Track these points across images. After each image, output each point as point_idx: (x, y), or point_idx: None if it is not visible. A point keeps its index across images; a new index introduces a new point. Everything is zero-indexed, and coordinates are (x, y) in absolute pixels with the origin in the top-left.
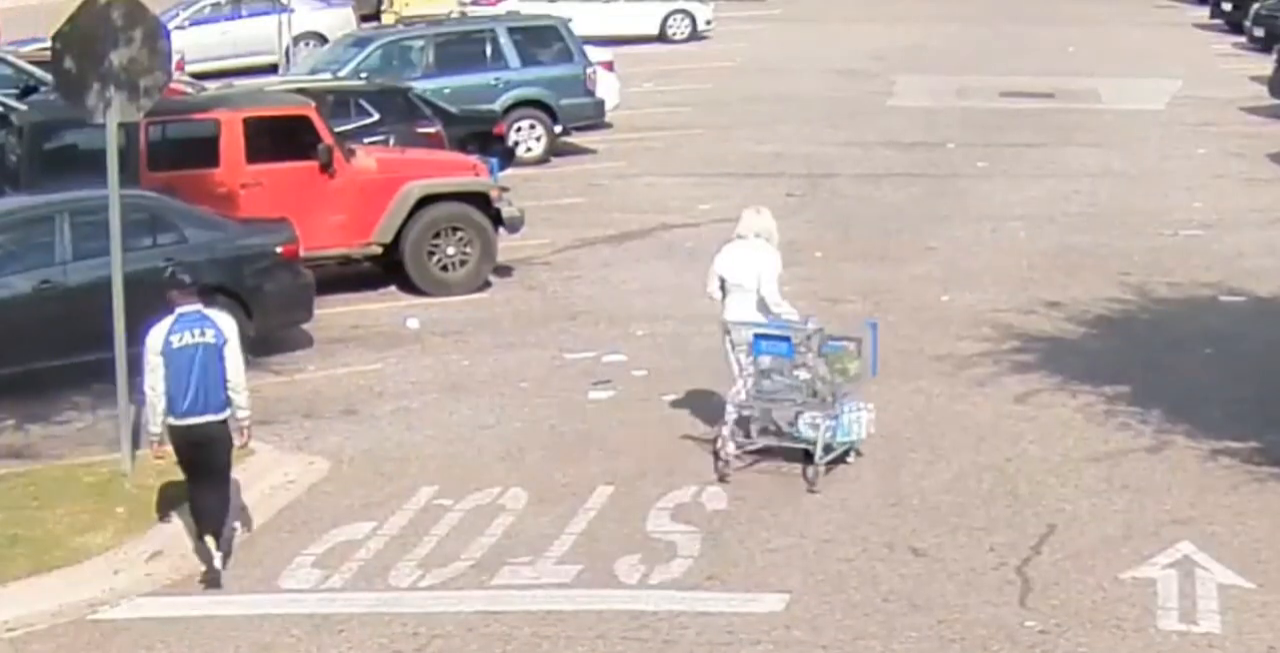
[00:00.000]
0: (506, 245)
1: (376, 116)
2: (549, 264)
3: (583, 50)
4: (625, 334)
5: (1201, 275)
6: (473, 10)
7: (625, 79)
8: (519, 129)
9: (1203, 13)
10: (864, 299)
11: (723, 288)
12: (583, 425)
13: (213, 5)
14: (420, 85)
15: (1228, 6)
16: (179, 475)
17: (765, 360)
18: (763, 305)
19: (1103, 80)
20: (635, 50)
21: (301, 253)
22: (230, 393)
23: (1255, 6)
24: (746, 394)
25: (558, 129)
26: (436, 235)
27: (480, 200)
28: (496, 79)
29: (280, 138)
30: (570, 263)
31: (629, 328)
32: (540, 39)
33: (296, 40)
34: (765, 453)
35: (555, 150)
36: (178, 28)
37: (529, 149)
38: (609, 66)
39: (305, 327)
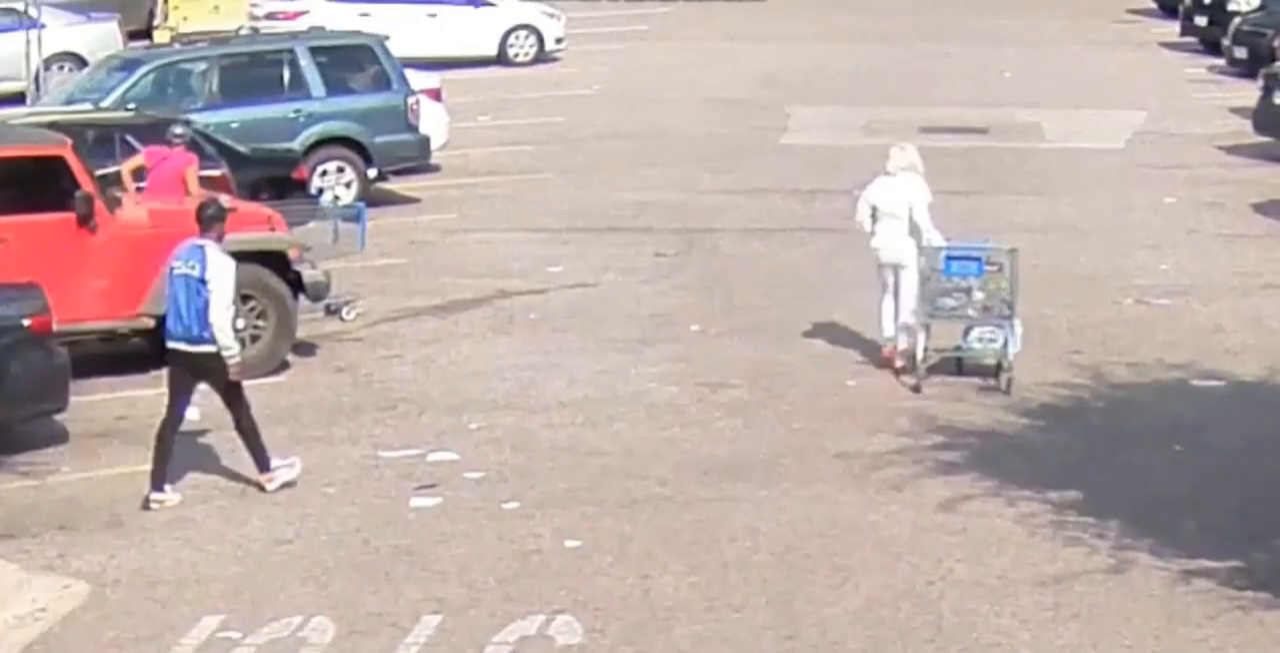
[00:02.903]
0: (309, 317)
1: (143, 152)
2: (361, 340)
3: (403, 75)
4: (456, 427)
5: (1170, 354)
6: (267, 26)
7: (456, 111)
8: (324, 172)
9: (1171, 29)
10: (751, 384)
11: (874, 216)
12: (403, 540)
13: None
14: (202, 118)
15: (1202, 21)
16: None
17: (942, 280)
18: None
19: (1047, 112)
20: (469, 75)
21: (55, 326)
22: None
23: (1236, 21)
24: (920, 313)
25: (372, 173)
26: None
27: (276, 262)
28: (296, 111)
29: (28, 184)
30: (387, 339)
31: (461, 419)
32: (351, 61)
33: (48, 63)
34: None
35: (369, 199)
36: None
37: (336, 197)
38: (436, 95)
39: (59, 417)
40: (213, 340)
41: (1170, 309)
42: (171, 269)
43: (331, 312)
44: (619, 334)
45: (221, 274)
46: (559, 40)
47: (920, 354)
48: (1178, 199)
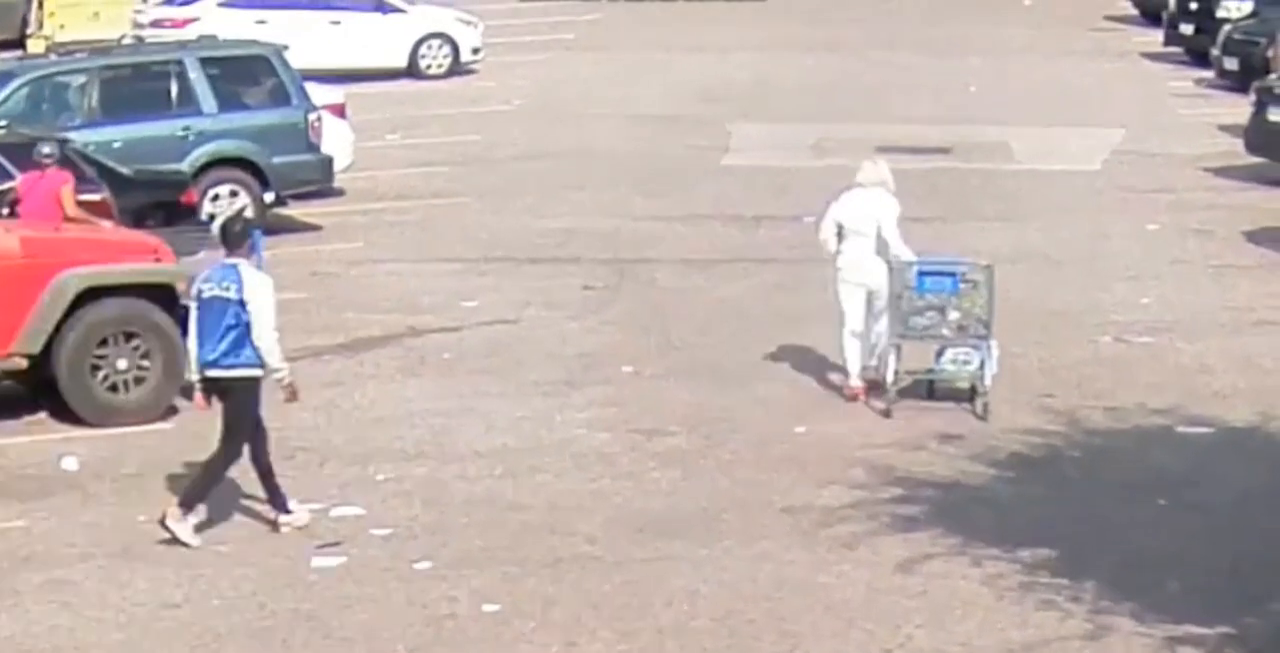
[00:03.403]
0: None
1: (19, 179)
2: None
3: (303, 89)
4: (361, 479)
5: (1152, 398)
6: (153, 35)
7: (362, 128)
8: (215, 197)
9: (1154, 37)
10: (689, 430)
11: (840, 234)
12: (303, 604)
13: None
14: (81, 137)
15: (1188, 29)
16: None
17: (914, 298)
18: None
19: (1017, 130)
20: (376, 88)
21: None
22: (259, 354)
23: (1225, 29)
24: (890, 333)
25: (269, 197)
26: (103, 343)
27: (163, 296)
28: (185, 129)
29: None
30: None
31: (367, 470)
32: (245, 74)
33: None
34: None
35: (266, 226)
36: None
37: None
38: (339, 111)
39: None
40: (246, 364)
41: (1153, 348)
42: (199, 293)
43: None
44: (542, 376)
45: (261, 292)
46: (476, 50)
47: (890, 377)
48: (1161, 226)
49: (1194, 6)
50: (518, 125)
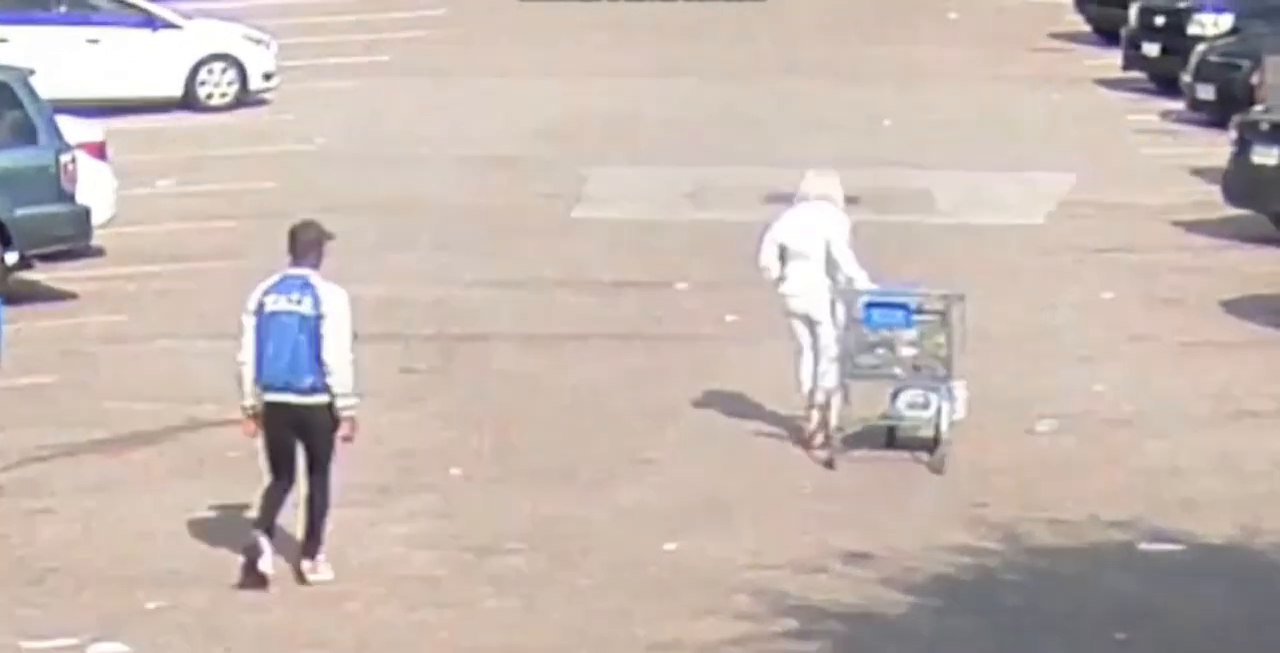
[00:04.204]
0: None
1: None
2: None
3: (54, 124)
4: (129, 608)
5: (1109, 507)
6: None
7: (127, 173)
8: None
9: (1111, 60)
10: (533, 548)
11: (782, 258)
12: None
13: None
14: None
15: (1152, 49)
16: None
17: (863, 332)
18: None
19: (942, 175)
20: (145, 123)
21: None
22: (327, 377)
23: (1199, 49)
24: (840, 373)
25: (10, 258)
26: None
27: None
28: None
29: None
30: (33, 487)
31: (135, 597)
32: None
33: None
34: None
35: (8, 294)
36: None
37: None
38: (99, 151)
39: None
40: (327, 390)
41: (1109, 446)
42: (261, 307)
43: None
44: (353, 479)
45: (340, 306)
46: (268, 76)
47: (834, 422)
48: (1119, 294)
49: (1160, 21)
50: (321, 169)
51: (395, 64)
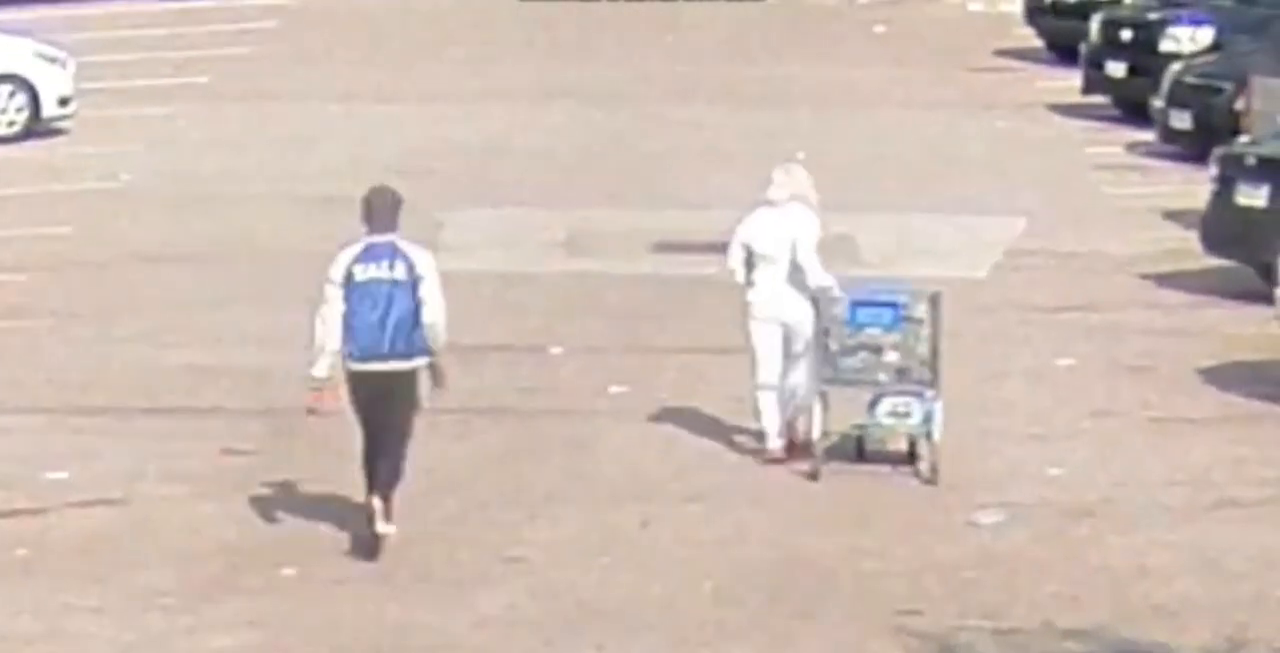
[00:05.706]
0: None
1: None
2: None
3: None
4: None
5: (1065, 614)
6: None
7: None
8: None
9: (1068, 82)
10: None
11: (749, 262)
12: None
13: None
14: None
15: (1117, 69)
16: None
17: (846, 334)
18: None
19: (866, 218)
20: None
21: None
22: (430, 339)
23: (1174, 69)
24: (816, 379)
25: None
26: None
27: None
28: None
29: None
30: None
31: None
32: None
33: None
34: None
35: None
36: None
37: None
38: None
39: None
40: (424, 352)
41: (1066, 541)
42: (350, 276)
43: None
44: (162, 582)
45: (432, 265)
46: (65, 101)
47: (816, 433)
48: (1078, 361)
49: (1127, 36)
50: (128, 211)
51: (215, 86)
